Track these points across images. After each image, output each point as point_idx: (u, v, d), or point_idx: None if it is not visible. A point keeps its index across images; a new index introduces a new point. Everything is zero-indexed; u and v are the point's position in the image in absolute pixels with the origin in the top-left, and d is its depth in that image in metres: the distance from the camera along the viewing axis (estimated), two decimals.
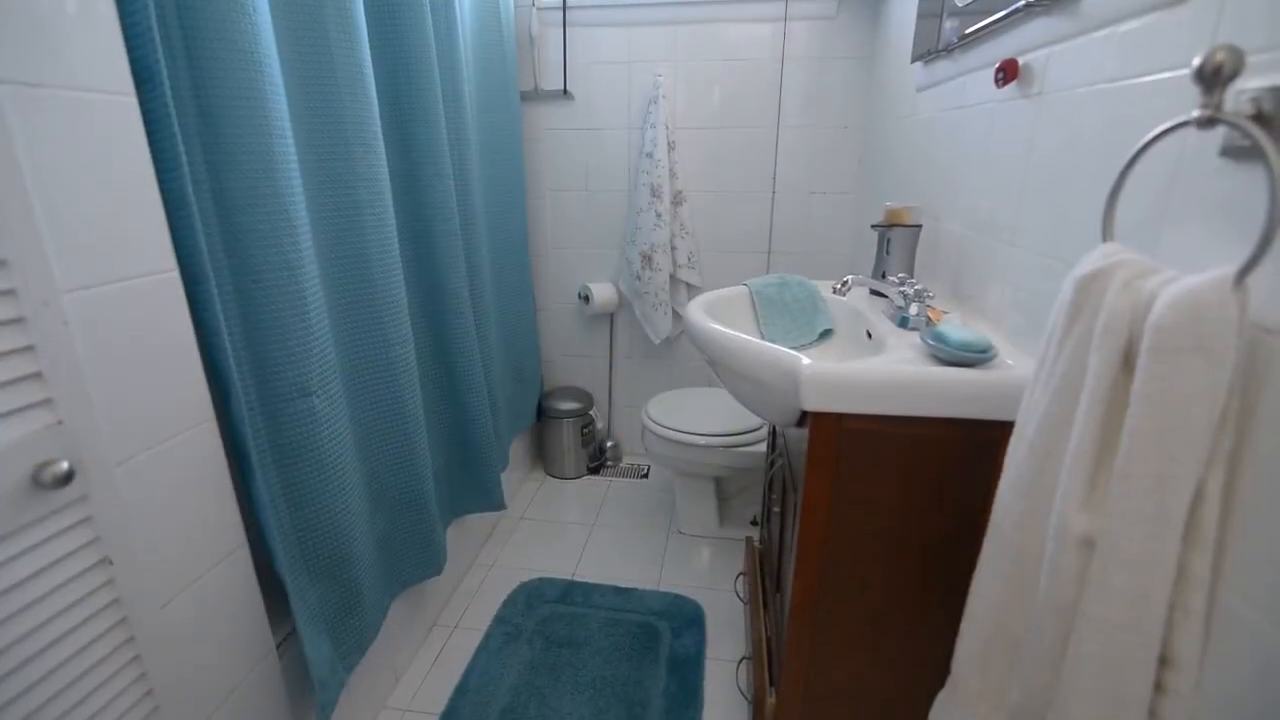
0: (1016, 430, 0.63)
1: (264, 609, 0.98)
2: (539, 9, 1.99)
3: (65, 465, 0.65)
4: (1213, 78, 0.46)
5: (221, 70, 0.85)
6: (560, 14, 1.98)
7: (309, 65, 1.04)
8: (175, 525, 0.82)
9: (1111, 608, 0.49)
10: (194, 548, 0.85)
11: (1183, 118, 0.49)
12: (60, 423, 0.66)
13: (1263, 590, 0.46)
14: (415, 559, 1.40)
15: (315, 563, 1.07)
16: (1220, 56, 0.45)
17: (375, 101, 1.15)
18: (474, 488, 1.67)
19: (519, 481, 2.25)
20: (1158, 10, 0.61)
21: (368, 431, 1.25)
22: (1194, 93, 0.48)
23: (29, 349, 0.63)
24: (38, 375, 0.64)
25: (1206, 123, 0.47)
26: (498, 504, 1.72)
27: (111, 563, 0.72)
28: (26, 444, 0.63)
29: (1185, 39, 0.58)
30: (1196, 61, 0.46)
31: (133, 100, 0.73)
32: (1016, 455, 0.62)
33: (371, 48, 1.17)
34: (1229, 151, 0.52)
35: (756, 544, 1.68)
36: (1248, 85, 0.48)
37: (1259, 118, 0.47)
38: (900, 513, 0.87)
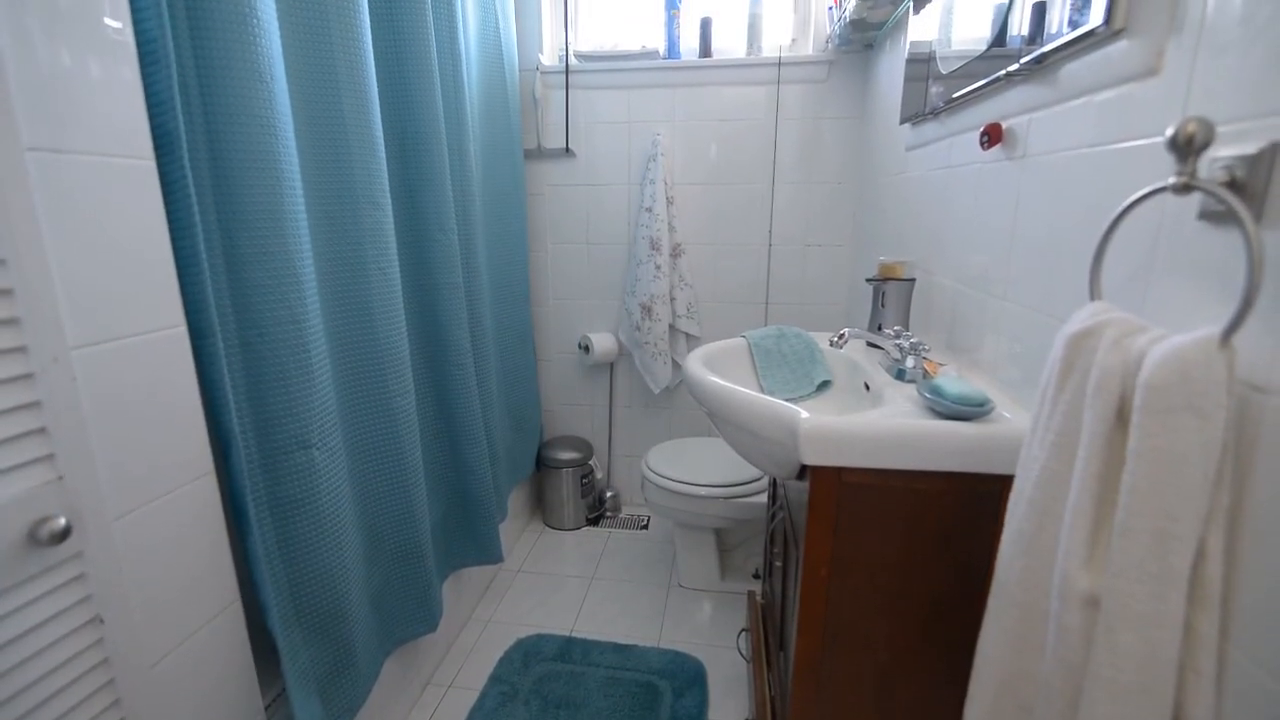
0: (1015, 486, 0.63)
1: (254, 668, 0.96)
2: (542, 73, 2.08)
3: (63, 521, 0.65)
4: (1185, 147, 0.48)
5: (238, 135, 0.88)
6: (563, 78, 2.07)
7: (321, 127, 1.08)
8: (169, 582, 0.81)
9: (1121, 669, 0.48)
10: (187, 605, 0.83)
11: (1159, 184, 0.51)
12: (61, 478, 0.67)
13: (1271, 651, 0.45)
14: (410, 615, 1.37)
15: (309, 619, 1.05)
16: (1191, 128, 0.48)
17: (384, 161, 1.19)
18: (472, 540, 1.65)
19: (517, 532, 2.22)
20: (1131, 82, 0.64)
21: (366, 483, 1.24)
22: (1171, 159, 0.50)
23: (35, 404, 0.64)
24: (42, 430, 0.65)
25: (1183, 189, 0.49)
26: (495, 557, 1.69)
27: (103, 621, 0.71)
28: (25, 499, 0.63)
29: (1159, 109, 0.61)
30: (1169, 132, 0.49)
31: (152, 164, 0.76)
32: (1016, 511, 0.62)
33: (382, 109, 1.22)
34: (1206, 215, 0.54)
35: (759, 598, 1.64)
36: (1220, 154, 0.51)
37: (1232, 184, 0.49)
38: (904, 568, 0.86)
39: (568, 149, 2.13)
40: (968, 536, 0.83)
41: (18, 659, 0.63)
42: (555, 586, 1.97)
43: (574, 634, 1.73)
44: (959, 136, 1.11)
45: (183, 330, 0.81)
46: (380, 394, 1.24)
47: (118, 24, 0.71)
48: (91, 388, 0.69)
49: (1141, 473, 0.47)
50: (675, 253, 2.13)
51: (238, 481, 0.92)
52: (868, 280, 1.30)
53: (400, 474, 1.29)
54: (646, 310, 2.10)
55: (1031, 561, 0.60)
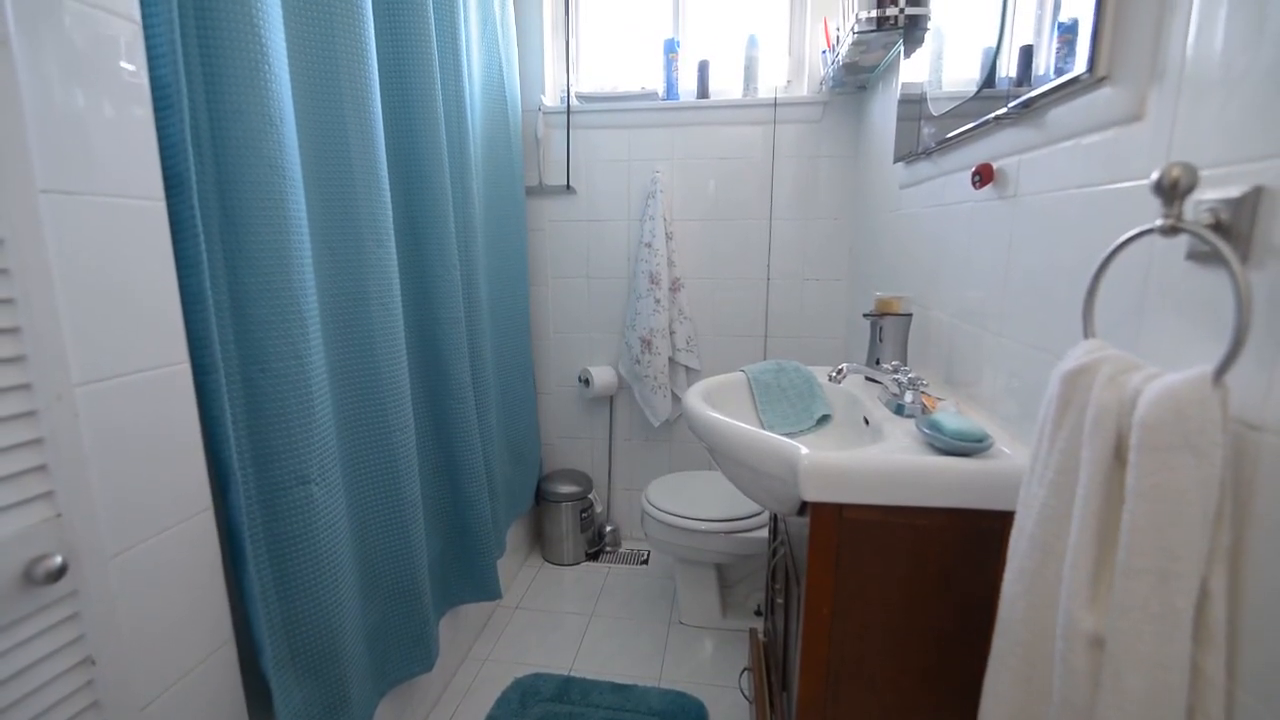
0: (1016, 523, 0.63)
1: (246, 710, 0.94)
2: (544, 113, 2.13)
3: (59, 560, 0.65)
4: (1171, 191, 0.49)
5: (247, 176, 0.90)
6: (564, 118, 2.12)
7: (328, 166, 1.11)
8: (163, 621, 0.79)
9: (1128, 712, 0.48)
10: (180, 645, 0.82)
11: (1147, 226, 0.52)
12: (59, 516, 0.66)
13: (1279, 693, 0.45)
14: (406, 654, 1.34)
15: (303, 659, 1.03)
16: (1176, 173, 0.49)
17: (389, 200, 1.21)
18: (470, 576, 1.63)
19: (516, 568, 2.19)
20: (1116, 127, 0.66)
21: (364, 518, 1.23)
22: (1158, 202, 0.51)
23: (37, 442, 0.64)
24: (43, 468, 0.65)
25: (1169, 231, 0.50)
26: (493, 593, 1.67)
27: (94, 662, 0.70)
28: (23, 538, 0.63)
29: (1144, 152, 0.62)
30: (1154, 176, 0.50)
31: (162, 205, 0.77)
32: (1018, 549, 0.62)
33: (387, 148, 1.25)
34: (1194, 256, 0.55)
35: (761, 636, 1.61)
36: (1205, 197, 0.52)
37: (1217, 227, 0.50)
38: (907, 606, 0.85)
39: (569, 186, 2.17)
40: (971, 574, 0.82)
41: (5, 702, 0.62)
42: (554, 624, 1.94)
43: (573, 673, 1.70)
44: (951, 176, 1.14)
45: (186, 367, 0.82)
46: (380, 428, 1.24)
47: (132, 67, 0.73)
48: (93, 424, 0.69)
49: (1141, 511, 0.47)
50: (675, 287, 2.15)
51: (235, 518, 0.92)
52: (865, 315, 1.31)
53: (398, 509, 1.28)
54: (646, 344, 2.12)
55: (1035, 600, 0.59)
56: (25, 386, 0.63)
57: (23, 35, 0.61)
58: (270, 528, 0.99)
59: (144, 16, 0.75)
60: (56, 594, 0.66)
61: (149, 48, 0.77)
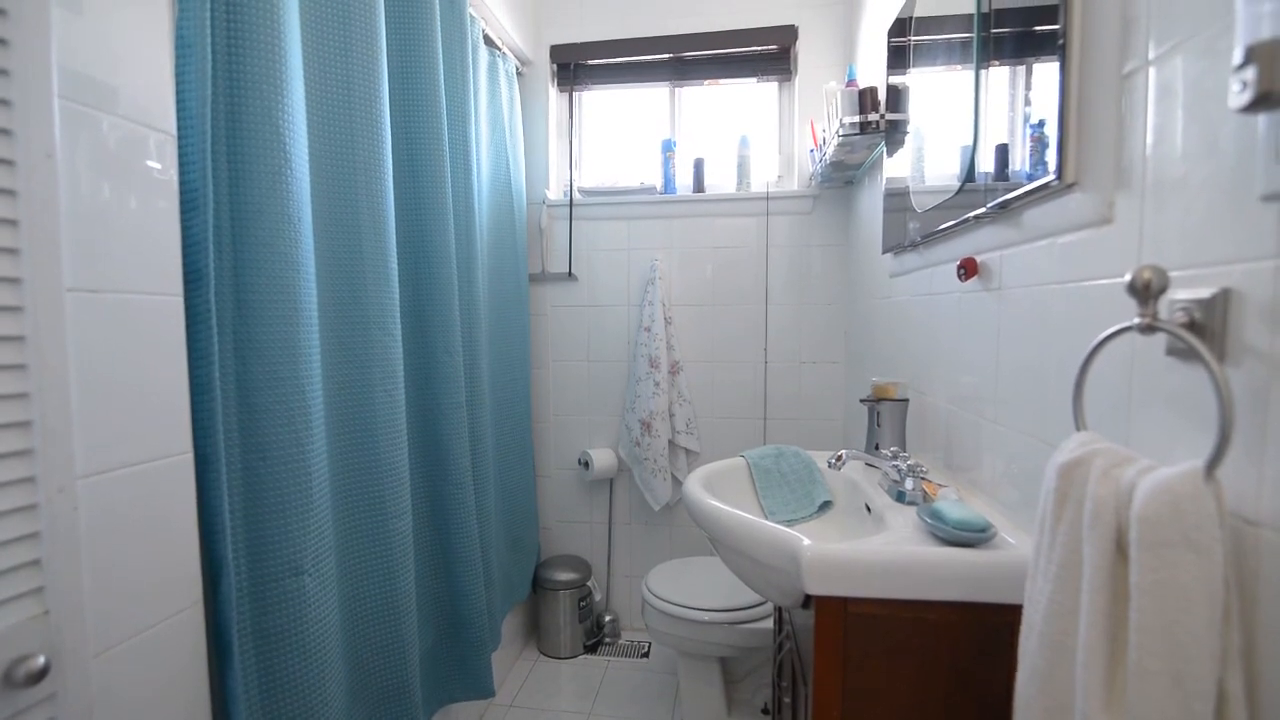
0: (1024, 618, 0.62)
1: None
2: (548, 206, 2.24)
3: (42, 661, 0.63)
4: (1144, 292, 0.52)
5: (263, 270, 0.94)
6: (567, 210, 2.22)
7: (340, 258, 1.16)
8: None
9: None
10: None
11: (1125, 324, 0.54)
12: (47, 613, 0.65)
13: None
14: None
15: None
16: (1147, 275, 0.52)
17: (397, 290, 1.25)
18: (462, 672, 1.55)
19: (510, 661, 2.09)
20: (1088, 228, 0.70)
21: (356, 610, 1.19)
22: (1133, 301, 0.53)
23: (34, 536, 0.64)
24: (36, 563, 0.64)
25: (1147, 329, 0.53)
26: (486, 691, 1.58)
27: None
28: (7, 637, 0.61)
29: (1116, 253, 0.66)
30: (1127, 278, 0.53)
31: (180, 300, 0.80)
32: (1028, 646, 0.60)
33: (398, 240, 1.30)
34: (1174, 352, 0.57)
35: None
36: (1178, 296, 0.54)
37: (1192, 325, 0.52)
38: (920, 707, 0.81)
39: (570, 273, 2.24)
40: (984, 670, 0.79)
41: None
42: None
43: None
44: (938, 267, 1.18)
45: (189, 457, 0.82)
46: (378, 515, 1.22)
47: (158, 165, 0.77)
48: (91, 516, 0.69)
49: (1148, 609, 0.46)
50: (674, 370, 2.18)
51: (224, 612, 0.89)
52: (862, 401, 1.33)
53: (392, 600, 1.24)
54: (646, 426, 2.12)
55: (1050, 702, 0.57)
56: (29, 480, 0.63)
57: (66, 146, 0.66)
58: (259, 621, 0.96)
59: (179, 127, 0.81)
60: (35, 697, 0.64)
61: (181, 154, 0.82)
